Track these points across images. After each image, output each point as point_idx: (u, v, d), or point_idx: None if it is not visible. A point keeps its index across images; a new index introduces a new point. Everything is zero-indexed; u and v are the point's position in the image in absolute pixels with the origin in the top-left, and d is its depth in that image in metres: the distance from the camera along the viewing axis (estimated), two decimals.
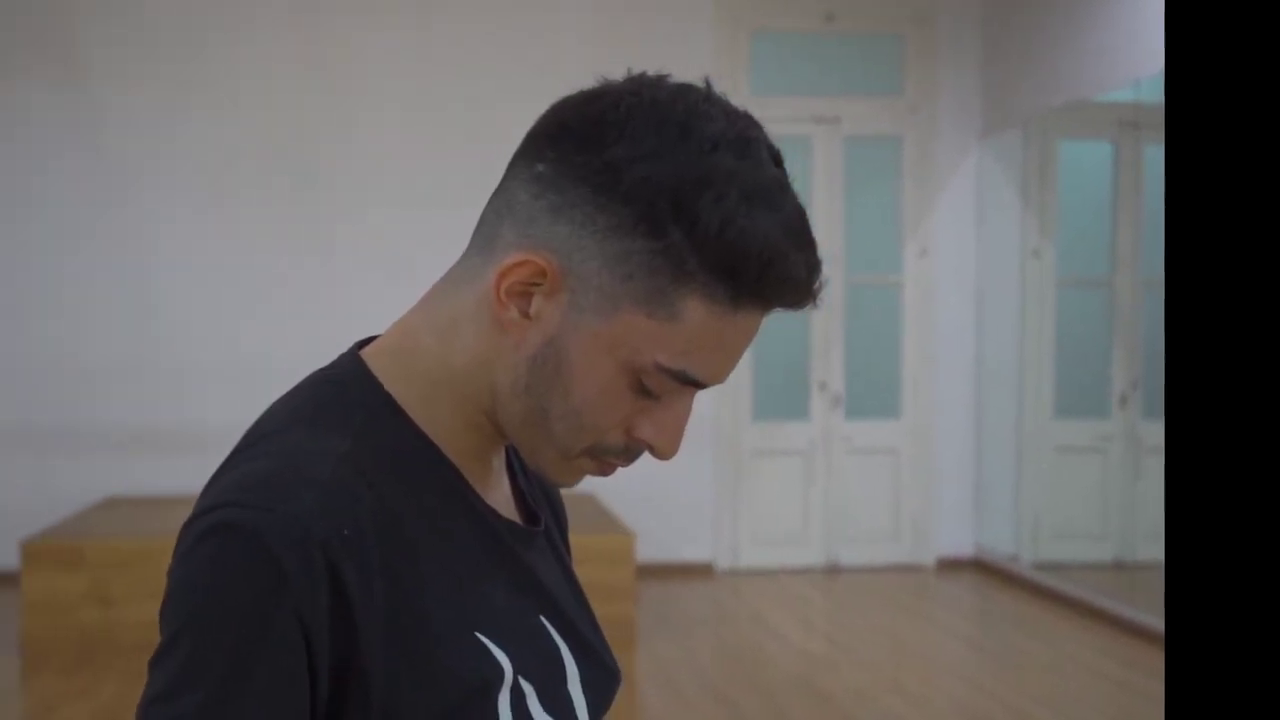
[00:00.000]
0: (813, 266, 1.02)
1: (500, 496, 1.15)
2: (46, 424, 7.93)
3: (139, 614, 6.33)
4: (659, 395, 1.03)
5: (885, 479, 8.63)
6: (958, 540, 8.66)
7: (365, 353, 1.11)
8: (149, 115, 7.99)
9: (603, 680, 1.17)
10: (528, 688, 1.05)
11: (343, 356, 1.11)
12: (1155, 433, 7.44)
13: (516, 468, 1.22)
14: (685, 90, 1.04)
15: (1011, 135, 8.25)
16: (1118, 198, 7.67)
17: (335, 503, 0.97)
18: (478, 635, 1.02)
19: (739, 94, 8.14)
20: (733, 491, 8.46)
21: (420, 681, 0.98)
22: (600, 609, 4.67)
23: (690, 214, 0.96)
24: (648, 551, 8.08)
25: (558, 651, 1.11)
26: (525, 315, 1.02)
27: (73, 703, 5.58)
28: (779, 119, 8.32)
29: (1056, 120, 7.93)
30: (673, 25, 8.21)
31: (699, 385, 1.03)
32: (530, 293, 1.02)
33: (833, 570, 8.48)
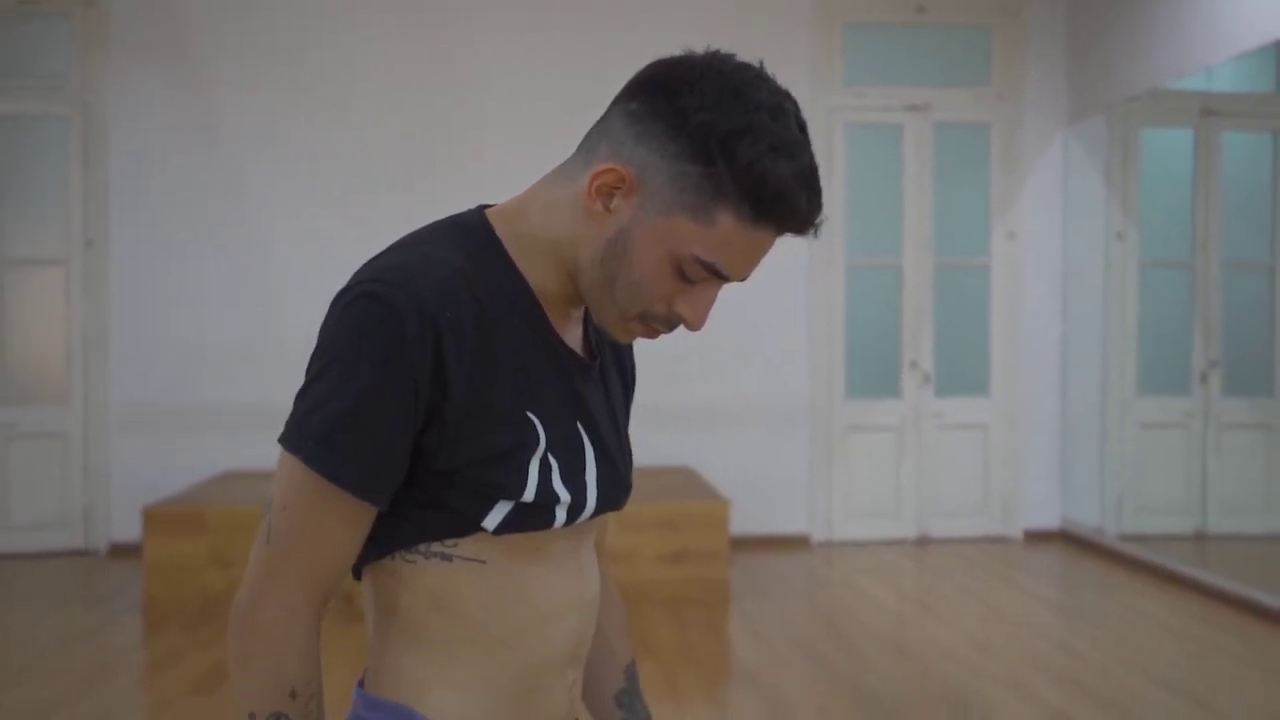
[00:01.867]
0: (814, 205, 1.36)
1: (572, 337, 1.52)
2: (167, 404, 8.40)
3: None
4: (694, 281, 1.39)
5: (974, 454, 8.93)
6: (1044, 513, 8.96)
7: (487, 211, 1.49)
8: (263, 114, 8.44)
9: (614, 483, 1.53)
10: (554, 463, 1.42)
11: (470, 209, 1.49)
12: (1233, 409, 7.66)
13: (589, 325, 1.59)
14: (744, 66, 1.37)
15: (1096, 122, 8.51)
16: (1198, 183, 7.86)
17: (446, 294, 1.34)
18: (528, 413, 1.41)
19: (834, 84, 8.50)
20: (827, 467, 8.80)
21: (479, 430, 1.36)
22: (697, 571, 5.31)
23: (732, 152, 1.31)
24: (746, 525, 8.48)
25: (583, 450, 1.47)
26: (607, 209, 1.39)
27: (194, 654, 5.98)
28: (872, 107, 8.66)
29: (1139, 108, 8.17)
30: (772, 20, 8.55)
31: (723, 278, 1.39)
32: (613, 193, 1.38)
33: (923, 542, 8.82)
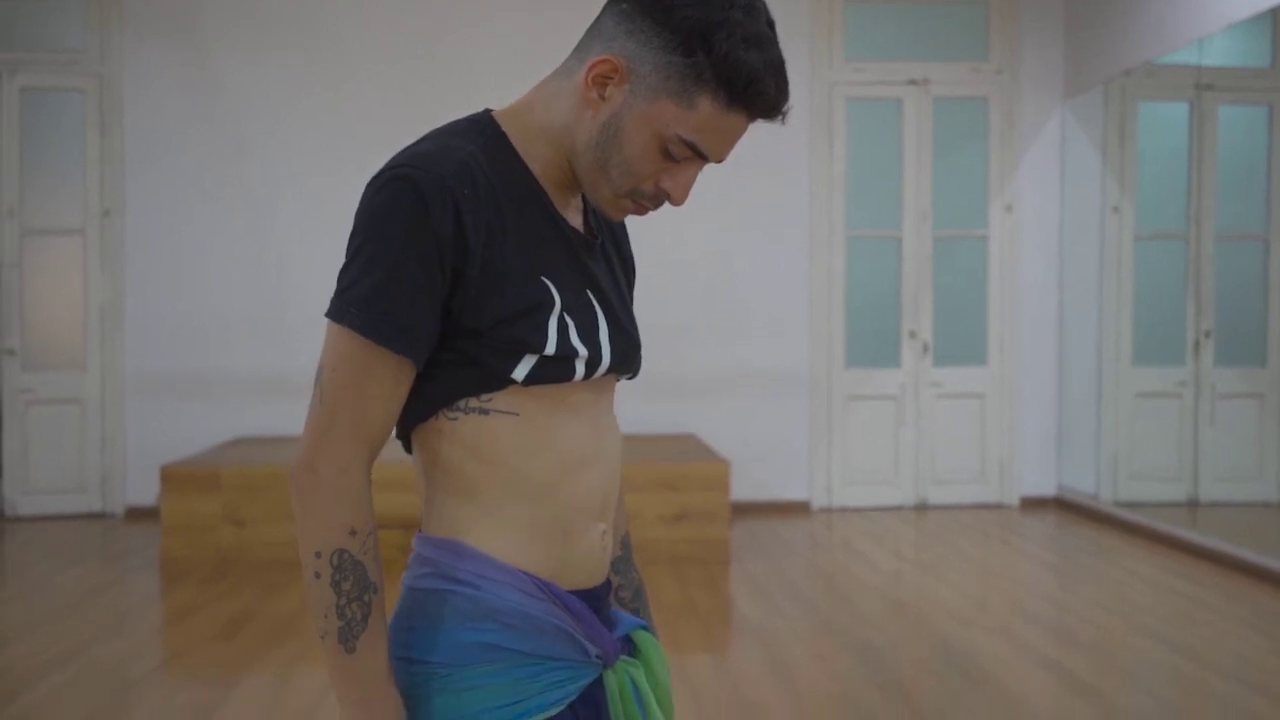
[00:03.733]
0: (781, 92, 1.56)
1: (574, 219, 1.71)
2: (180, 371, 8.62)
3: (269, 534, 7.01)
4: (678, 160, 1.59)
5: (972, 423, 9.10)
6: (1041, 481, 9.14)
7: (495, 111, 1.68)
8: (272, 86, 8.66)
9: (626, 343, 1.72)
10: (570, 322, 1.60)
11: (480, 111, 1.68)
12: (1226, 379, 7.80)
13: (588, 210, 1.78)
14: None
15: (1092, 97, 8.66)
16: (1193, 156, 7.99)
17: (462, 174, 1.53)
18: (542, 278, 1.59)
19: (835, 58, 8.67)
20: (827, 435, 8.98)
21: (498, 291, 1.55)
22: (699, 530, 5.60)
23: (710, 44, 1.50)
24: (747, 491, 8.67)
25: (595, 314, 1.66)
26: (601, 97, 1.58)
27: (211, 605, 6.20)
28: (872, 82, 8.83)
29: (1135, 83, 8.32)
30: None
31: (704, 157, 1.58)
32: (606, 83, 1.57)
33: (922, 509, 9.00)
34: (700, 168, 1.62)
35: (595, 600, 1.71)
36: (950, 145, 9.06)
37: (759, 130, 7.13)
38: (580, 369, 1.62)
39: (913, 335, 9.01)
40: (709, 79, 1.52)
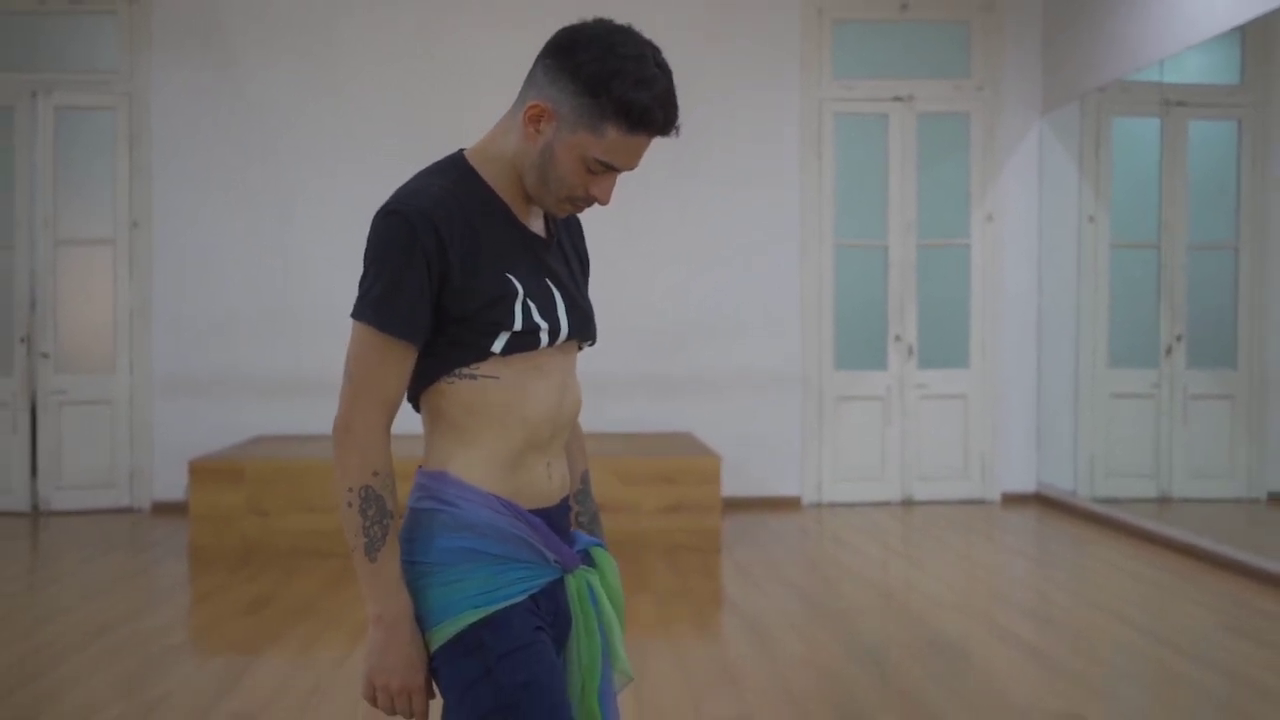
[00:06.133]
0: (669, 117, 2.04)
1: (535, 226, 2.19)
2: (204, 373, 9.08)
3: (290, 524, 7.44)
4: (598, 173, 2.07)
5: (955, 422, 9.51)
6: (1021, 478, 9.54)
7: (465, 150, 2.18)
8: (282, 102, 9.13)
9: (581, 316, 2.21)
10: (532, 305, 2.08)
11: (454, 152, 2.18)
12: (1197, 381, 8.14)
13: (549, 217, 2.25)
14: (619, 29, 2.05)
15: (1069, 112, 9.07)
16: (1165, 169, 8.34)
17: (440, 204, 2.03)
18: (506, 274, 2.07)
19: (824, 76, 9.10)
20: (817, 434, 9.40)
21: (475, 288, 2.04)
22: (692, 521, 6.24)
23: (609, 88, 1.99)
24: (740, 487, 9.04)
25: (553, 296, 2.15)
26: (537, 131, 2.07)
27: (238, 587, 6.67)
28: (859, 98, 9.26)
29: (1110, 98, 8.72)
30: (764, 17, 9.15)
31: (618, 170, 2.07)
32: (539, 121, 2.06)
33: (908, 504, 9.41)
34: (617, 175, 2.11)
35: (548, 518, 2.18)
36: (934, 158, 9.48)
37: (753, 145, 7.95)
38: (545, 338, 2.11)
39: (898, 339, 9.43)
40: (611, 114, 2.01)
